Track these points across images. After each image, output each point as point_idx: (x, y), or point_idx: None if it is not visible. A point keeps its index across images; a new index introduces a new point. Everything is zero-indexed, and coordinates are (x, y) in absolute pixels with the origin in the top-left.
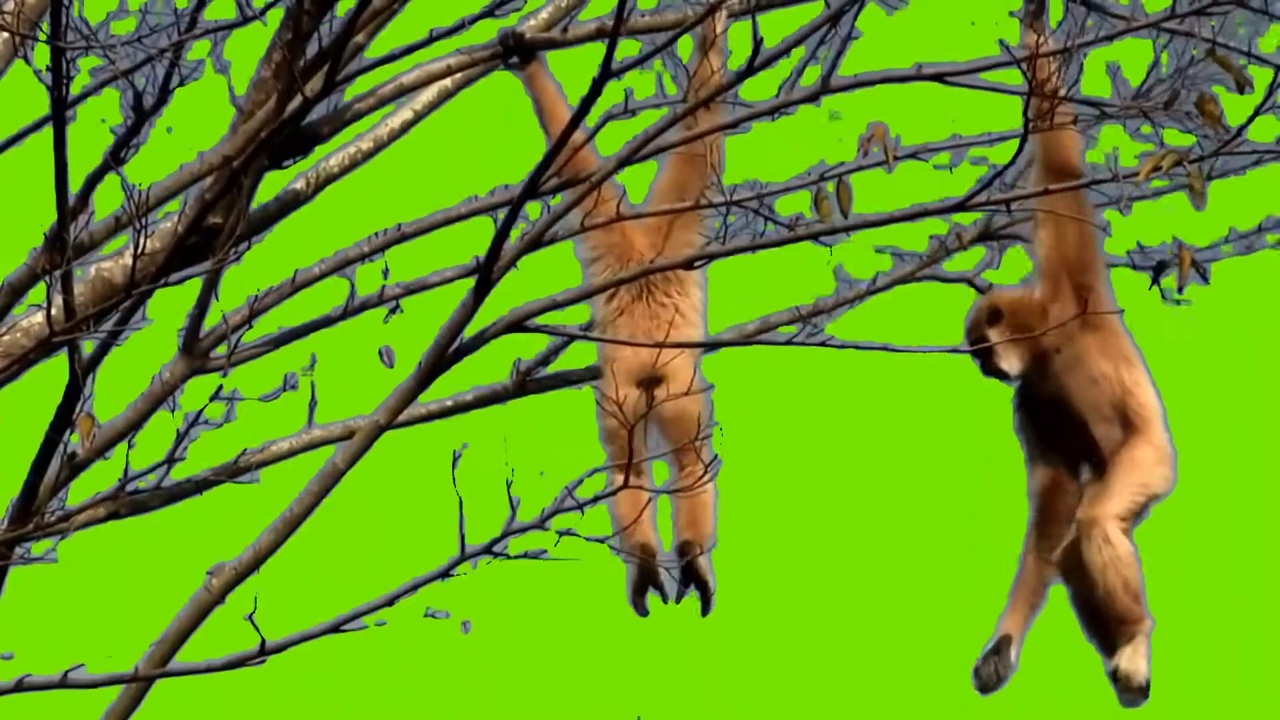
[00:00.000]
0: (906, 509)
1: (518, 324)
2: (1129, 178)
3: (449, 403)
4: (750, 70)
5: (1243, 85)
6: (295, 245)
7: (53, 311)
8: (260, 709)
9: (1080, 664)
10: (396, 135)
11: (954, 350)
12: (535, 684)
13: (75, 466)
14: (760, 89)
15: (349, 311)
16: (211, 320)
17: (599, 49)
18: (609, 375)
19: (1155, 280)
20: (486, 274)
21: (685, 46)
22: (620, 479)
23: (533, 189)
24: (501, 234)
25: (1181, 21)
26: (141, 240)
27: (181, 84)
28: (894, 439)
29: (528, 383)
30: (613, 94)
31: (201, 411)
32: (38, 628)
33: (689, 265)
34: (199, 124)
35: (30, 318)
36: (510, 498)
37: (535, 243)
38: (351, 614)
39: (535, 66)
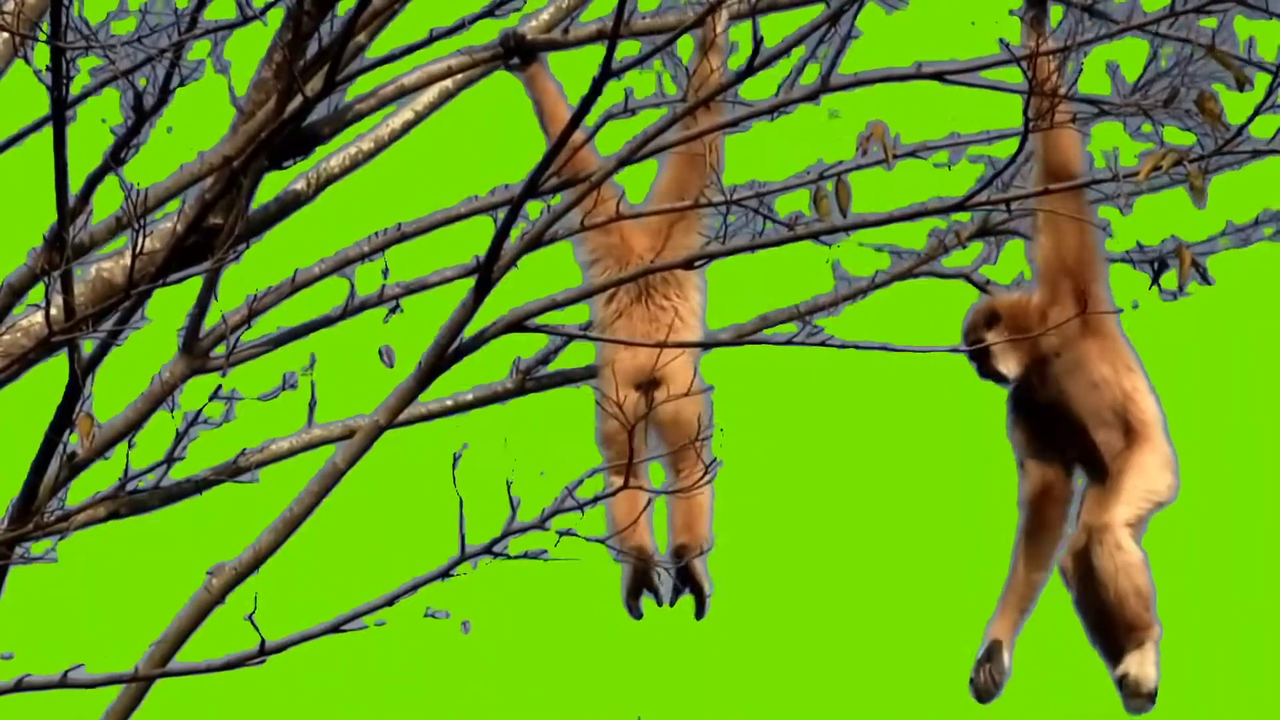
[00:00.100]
0: (905, 509)
1: (518, 324)
2: (1129, 177)
3: (449, 402)
4: (750, 70)
5: (1242, 83)
6: (295, 245)
7: (52, 311)
8: (260, 709)
9: (1071, 668)
10: (397, 135)
11: (953, 350)
12: (535, 684)
13: (75, 466)
14: (759, 88)
15: (349, 311)
16: (211, 320)
17: (599, 50)
18: (607, 377)
19: (1155, 279)
20: (486, 274)
21: (685, 46)
22: (617, 481)
23: (533, 189)
24: (501, 234)
25: (1175, 22)
26: (141, 240)
27: (181, 84)
28: (893, 439)
29: (528, 382)
30: (613, 93)
31: (201, 411)
32: (38, 628)
33: (689, 265)
34: (199, 124)
35: (30, 318)
36: (510, 498)
37: (535, 242)
38: (351, 614)
39: (536, 67)
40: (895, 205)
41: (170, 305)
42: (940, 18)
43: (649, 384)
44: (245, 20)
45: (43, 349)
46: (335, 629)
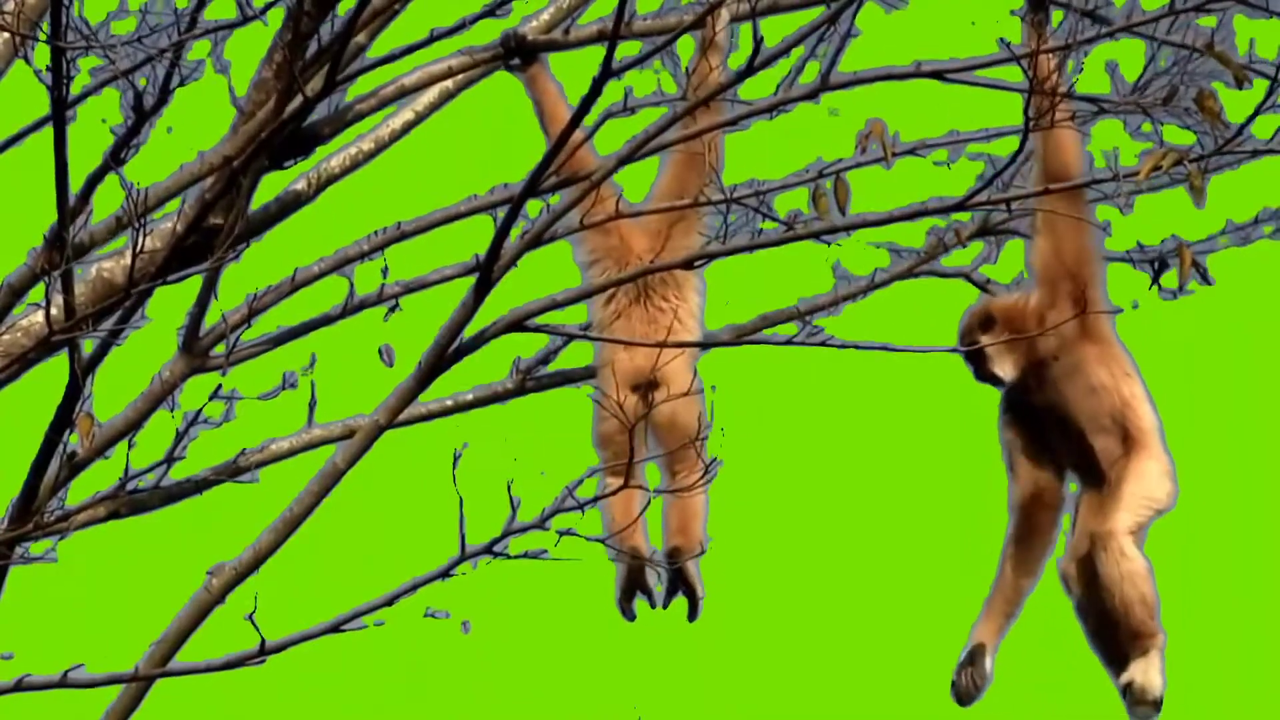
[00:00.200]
0: (903, 510)
1: (518, 324)
2: (1129, 176)
3: (449, 402)
4: (750, 70)
5: (1241, 80)
6: (296, 245)
7: (53, 311)
8: (260, 709)
9: (1061, 673)
10: (398, 136)
11: (953, 350)
12: (535, 684)
13: (75, 466)
14: (759, 86)
15: (348, 310)
16: (211, 319)
17: (599, 50)
18: (605, 378)
19: (1155, 279)
20: (487, 273)
21: (685, 46)
22: (613, 482)
23: (533, 189)
24: (502, 233)
25: (1175, 21)
26: (141, 240)
27: (181, 84)
28: (892, 439)
29: (528, 382)
30: (612, 92)
31: (201, 411)
32: (38, 628)
33: (689, 265)
34: (199, 124)
35: (30, 317)
36: (511, 497)
37: (535, 241)
38: (351, 614)
39: (536, 68)
40: (894, 203)
41: (170, 305)
42: (939, 17)
43: (647, 385)
44: (245, 20)
45: (43, 348)
46: (335, 629)
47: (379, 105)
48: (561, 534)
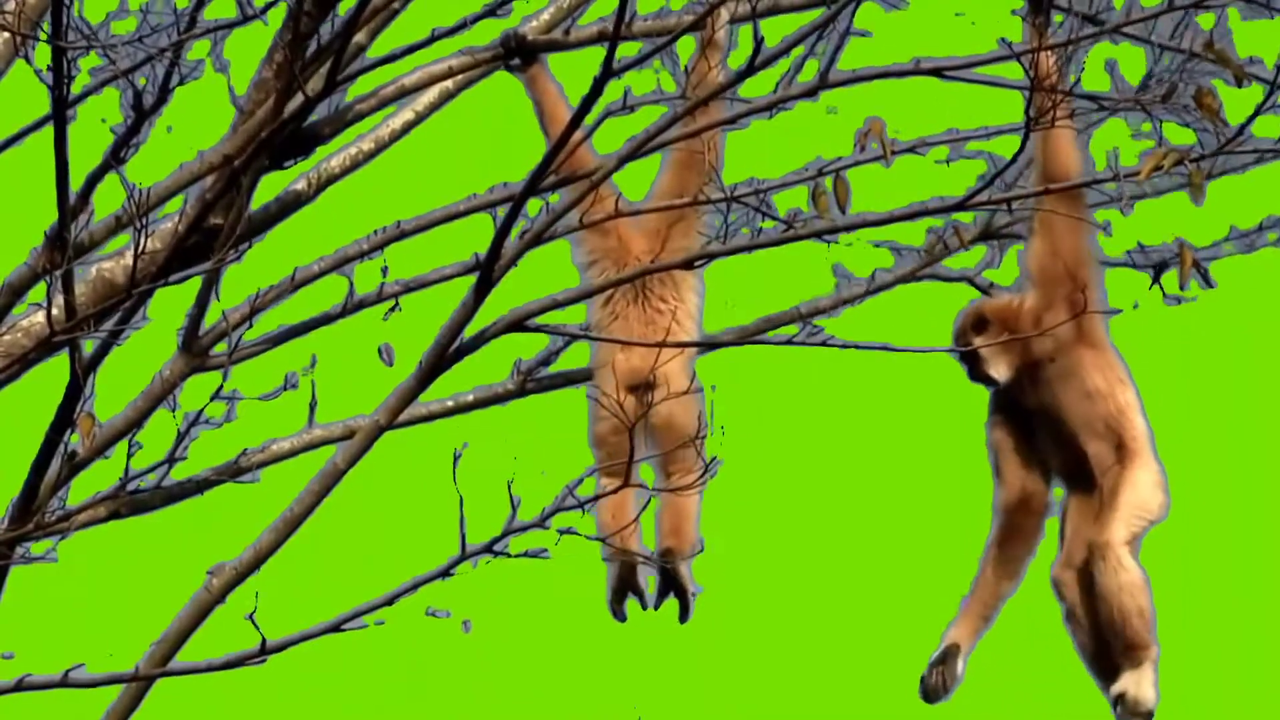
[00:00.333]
0: (901, 511)
1: (518, 324)
2: (1130, 176)
3: (450, 403)
4: (750, 70)
5: (1241, 79)
6: (296, 245)
7: (53, 311)
8: (260, 709)
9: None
10: (398, 136)
11: (952, 351)
12: (535, 684)
13: (75, 466)
14: (758, 85)
15: (348, 309)
16: (211, 318)
17: (600, 51)
18: (603, 379)
19: (1156, 279)
20: (487, 273)
21: (685, 46)
22: (607, 482)
23: (533, 188)
24: (502, 232)
25: (1177, 28)
26: (142, 240)
27: (181, 83)
28: (892, 439)
29: (529, 383)
30: (612, 91)
31: (202, 411)
32: (38, 627)
33: (689, 265)
34: (199, 124)
35: (31, 317)
36: (511, 497)
37: (536, 241)
38: (352, 613)
39: (536, 68)
40: (894, 202)
41: (171, 305)
42: (939, 16)
43: (644, 386)
44: (245, 20)
45: (44, 349)
46: (336, 628)
47: (379, 105)
48: (562, 533)
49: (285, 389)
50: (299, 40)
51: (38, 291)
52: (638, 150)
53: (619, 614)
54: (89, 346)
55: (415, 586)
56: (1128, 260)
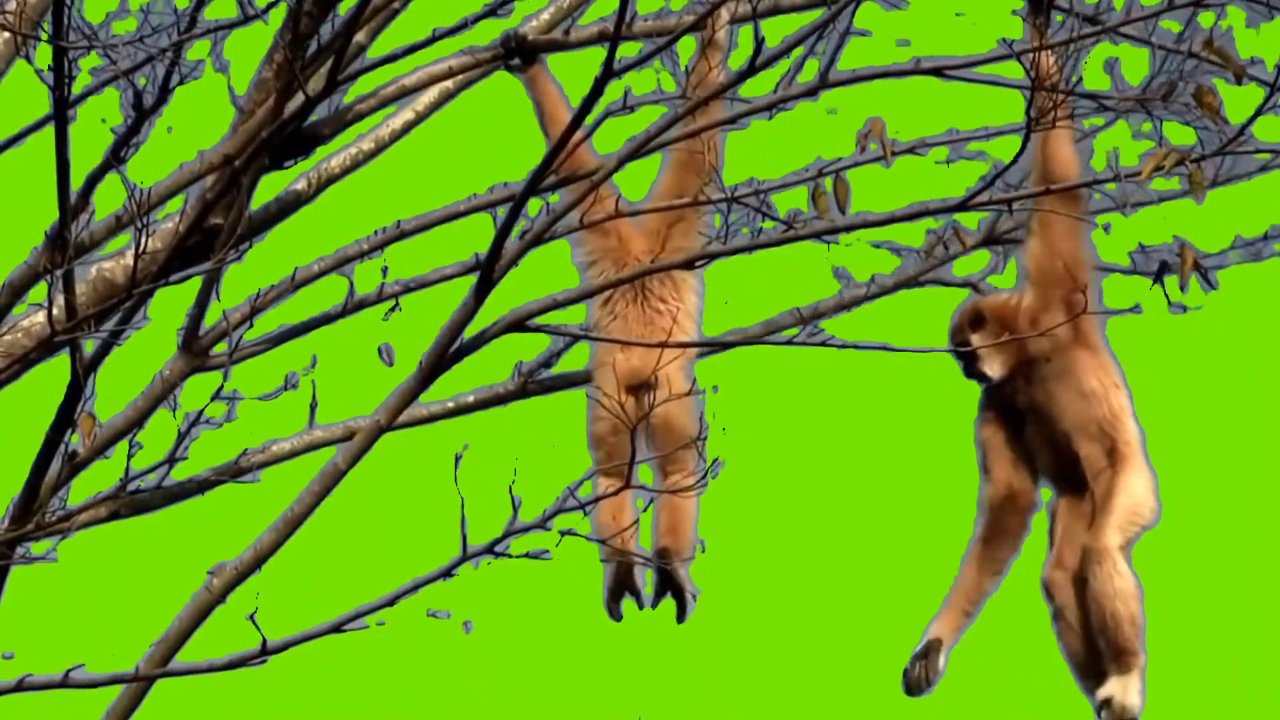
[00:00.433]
0: (902, 512)
1: (518, 324)
2: (1131, 177)
3: (450, 404)
4: (751, 70)
5: (1240, 77)
6: (296, 245)
7: (54, 311)
8: (261, 709)
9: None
10: (398, 136)
11: (952, 350)
12: (535, 684)
13: (76, 466)
14: (758, 85)
15: (348, 309)
16: (211, 318)
17: (600, 51)
18: (602, 379)
19: (1156, 280)
20: (488, 273)
21: (685, 46)
22: (605, 481)
23: (534, 188)
24: (503, 232)
25: (1183, 33)
26: (142, 240)
27: (181, 83)
28: (892, 440)
29: (529, 384)
30: (612, 91)
31: (202, 411)
32: (38, 628)
33: (689, 265)
34: (199, 124)
35: (31, 317)
36: (512, 498)
37: (536, 241)
38: (353, 614)
39: (537, 68)
40: (894, 203)
41: (171, 305)
42: (939, 15)
43: (642, 386)
44: (246, 20)
45: (44, 349)
46: (337, 629)
47: (379, 105)
48: (563, 534)
49: (285, 389)
50: (299, 40)
51: (38, 291)
52: (638, 150)
53: (615, 613)
54: (89, 346)
55: (416, 587)
56: (1130, 263)
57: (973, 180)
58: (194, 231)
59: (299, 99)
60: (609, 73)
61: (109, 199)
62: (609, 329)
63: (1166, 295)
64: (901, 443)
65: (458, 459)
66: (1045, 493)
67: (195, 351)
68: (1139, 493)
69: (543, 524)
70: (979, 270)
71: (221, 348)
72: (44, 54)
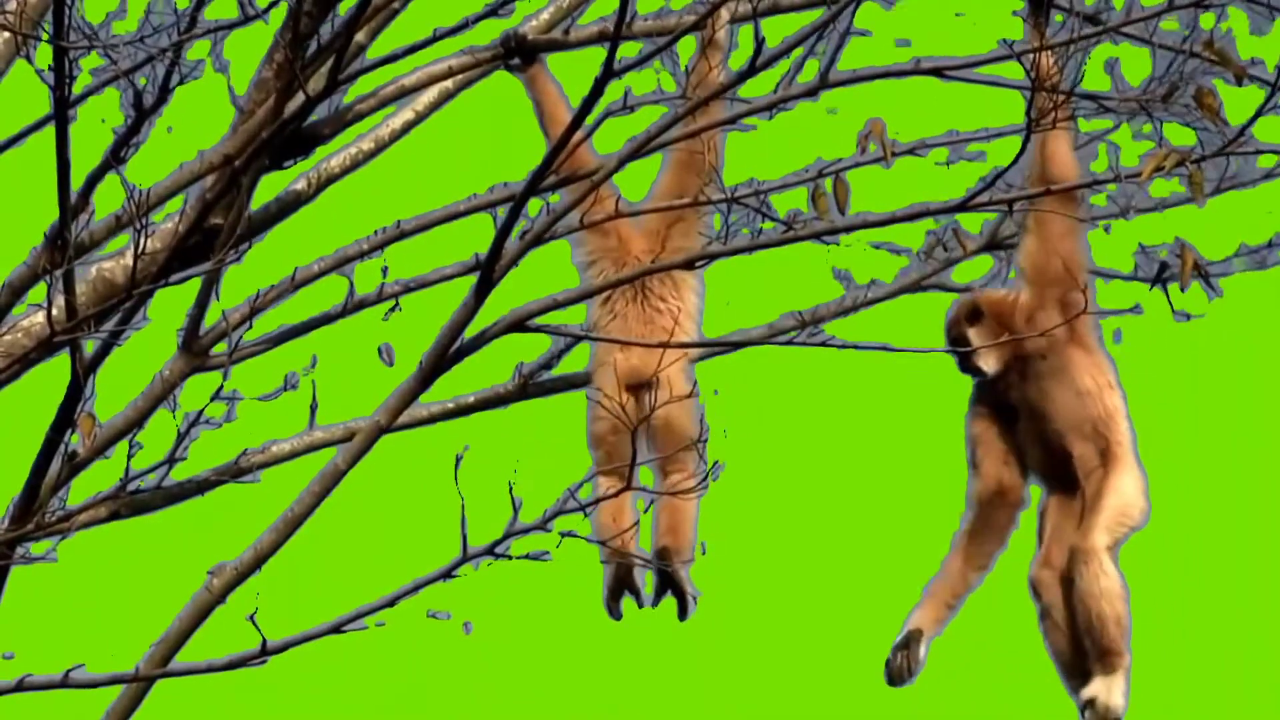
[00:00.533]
0: (902, 512)
1: (519, 324)
2: (1131, 178)
3: (450, 405)
4: (751, 70)
5: (1241, 77)
6: (296, 245)
7: (54, 311)
8: (261, 709)
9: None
10: (398, 135)
11: (951, 350)
12: (536, 685)
13: (76, 466)
14: (758, 85)
15: (348, 310)
16: (211, 318)
17: (600, 51)
18: (601, 379)
19: (1157, 281)
20: (488, 273)
21: (685, 45)
22: (604, 481)
23: (534, 188)
24: (503, 232)
25: (1188, 37)
26: (142, 240)
27: (181, 83)
28: (892, 441)
29: (530, 385)
30: (612, 91)
31: (202, 411)
32: (38, 628)
33: (689, 265)
34: (199, 124)
35: (31, 317)
36: (513, 499)
37: (536, 241)
38: (353, 614)
39: (536, 68)
40: (894, 203)
41: (171, 305)
42: (939, 15)
43: (642, 386)
44: (246, 20)
45: (44, 349)
46: (337, 629)
47: (379, 105)
48: (564, 535)
49: (285, 389)
50: (299, 40)
51: (38, 291)
52: (638, 150)
53: (614, 612)
54: (89, 346)
55: (417, 588)
56: (1133, 266)
57: (973, 181)
58: (194, 232)
59: (299, 99)
60: (609, 73)
61: (109, 199)
62: (609, 329)
63: (1170, 303)
64: (901, 443)
65: (458, 460)
66: (1034, 490)
67: (195, 351)
68: (1129, 493)
69: (543, 525)
70: (981, 276)
71: (221, 348)
72: (44, 54)
